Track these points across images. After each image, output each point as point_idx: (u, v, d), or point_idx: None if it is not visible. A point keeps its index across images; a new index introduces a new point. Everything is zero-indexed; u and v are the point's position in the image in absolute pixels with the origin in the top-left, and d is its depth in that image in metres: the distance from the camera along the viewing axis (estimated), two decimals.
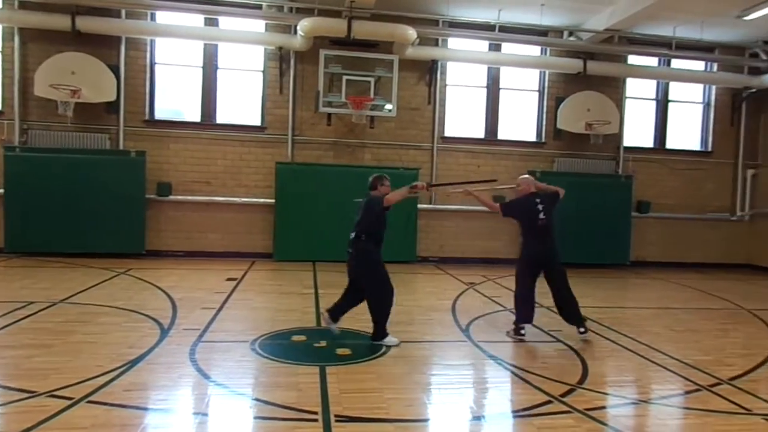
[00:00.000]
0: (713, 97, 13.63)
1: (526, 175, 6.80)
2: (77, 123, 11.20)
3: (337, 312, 6.19)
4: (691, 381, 5.08)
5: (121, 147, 11.47)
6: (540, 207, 6.36)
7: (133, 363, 4.97)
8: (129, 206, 11.19)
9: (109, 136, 11.47)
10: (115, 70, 11.25)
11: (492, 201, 6.85)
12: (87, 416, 3.85)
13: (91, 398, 4.14)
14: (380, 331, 5.90)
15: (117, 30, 11.14)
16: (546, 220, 6.34)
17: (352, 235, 5.99)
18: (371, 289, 5.92)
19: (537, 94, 13.04)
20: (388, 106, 11.63)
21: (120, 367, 4.82)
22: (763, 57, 12.80)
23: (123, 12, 11.11)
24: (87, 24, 10.81)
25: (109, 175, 11.08)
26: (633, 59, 12.91)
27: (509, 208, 6.66)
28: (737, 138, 13.59)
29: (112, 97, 11.17)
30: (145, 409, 4.11)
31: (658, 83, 13.48)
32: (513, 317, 6.49)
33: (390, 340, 5.87)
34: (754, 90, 13.11)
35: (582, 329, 6.31)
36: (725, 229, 13.68)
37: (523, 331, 6.29)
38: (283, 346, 5.73)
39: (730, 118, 13.57)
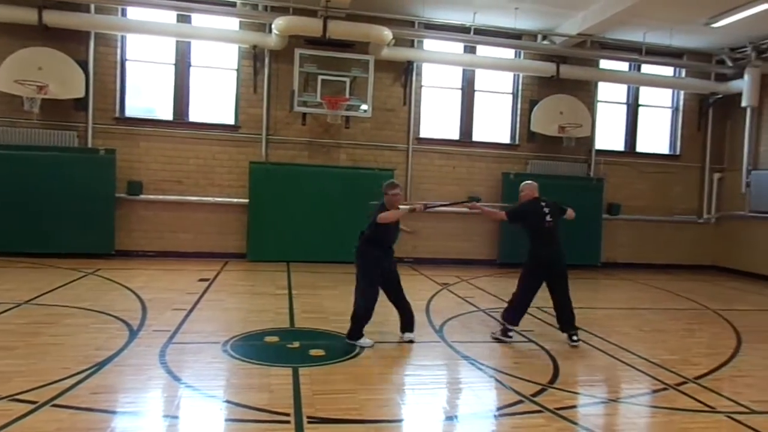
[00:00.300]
0: (681, 102, 13.94)
1: (530, 181, 6.76)
2: (44, 120, 10.95)
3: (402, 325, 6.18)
4: (658, 380, 5.18)
5: (89, 145, 11.23)
6: (546, 210, 6.37)
7: (101, 365, 4.87)
8: (98, 205, 10.95)
9: (77, 133, 11.22)
10: (84, 66, 11.01)
11: (496, 210, 6.72)
12: (51, 420, 3.75)
13: (56, 402, 4.04)
14: (354, 332, 5.90)
15: (86, 25, 10.91)
16: (552, 222, 6.36)
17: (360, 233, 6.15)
18: (357, 287, 5.99)
19: (511, 96, 13.17)
20: (364, 107, 11.62)
21: (87, 370, 4.71)
22: (729, 64, 13.13)
23: (92, 7, 10.89)
24: (54, 18, 10.55)
25: (77, 174, 10.83)
26: (604, 64, 13.13)
27: (515, 214, 6.55)
28: (704, 142, 13.91)
29: (81, 94, 10.93)
30: (113, 412, 4.02)
31: (628, 88, 13.73)
32: (487, 318, 6.53)
33: (364, 341, 5.87)
34: (720, 96, 13.43)
35: (574, 335, 6.25)
36: (692, 231, 13.99)
37: (511, 334, 6.30)
38: (255, 347, 5.68)
39: (698, 123, 13.89)
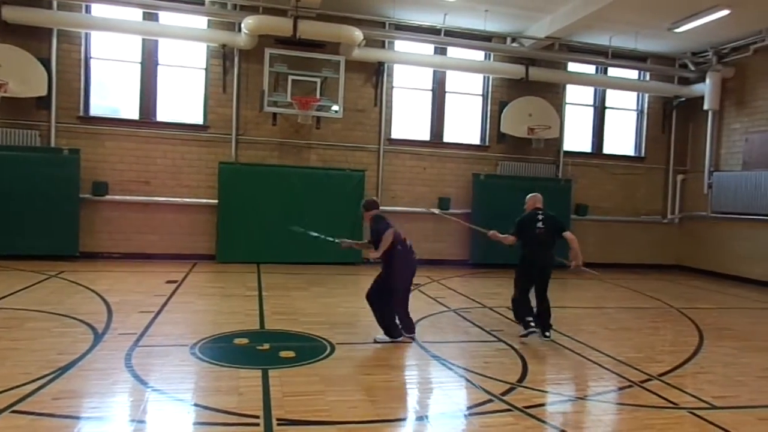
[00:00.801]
0: (646, 105, 14.26)
1: (534, 193, 7.00)
2: (4, 118, 10.65)
3: (403, 326, 6.32)
4: (623, 377, 5.28)
5: (53, 144, 10.94)
6: (540, 217, 6.64)
7: (64, 370, 4.75)
8: (61, 206, 10.68)
9: (39, 132, 10.92)
10: (47, 63, 10.73)
11: (502, 237, 6.81)
12: (10, 427, 3.64)
13: (15, 408, 3.92)
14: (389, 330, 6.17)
15: (48, 22, 10.63)
16: (544, 230, 6.57)
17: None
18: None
19: (481, 98, 13.29)
20: (335, 107, 11.58)
21: (49, 375, 4.59)
22: (692, 68, 13.49)
23: (54, 3, 10.63)
24: (15, 14, 10.27)
25: (39, 174, 10.54)
26: (572, 66, 13.36)
27: (516, 229, 6.74)
28: (668, 144, 14.26)
29: (43, 92, 10.65)
30: (77, 417, 3.92)
31: (595, 90, 13.99)
32: (458, 318, 6.56)
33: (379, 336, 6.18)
34: (683, 99, 13.80)
35: (547, 333, 6.49)
36: (657, 231, 14.32)
37: (533, 324, 6.44)
38: (224, 350, 5.61)
39: (662, 126, 14.23)
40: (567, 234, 6.63)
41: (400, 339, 6.15)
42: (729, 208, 12.66)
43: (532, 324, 6.45)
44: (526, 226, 6.67)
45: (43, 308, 6.90)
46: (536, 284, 6.70)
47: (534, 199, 6.88)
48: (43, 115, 10.95)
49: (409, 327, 6.28)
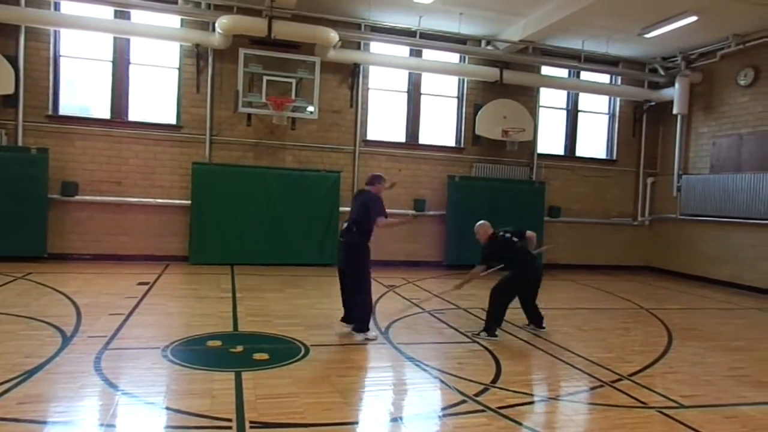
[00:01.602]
0: (618, 109, 14.50)
1: (481, 221, 7.12)
2: None
3: (349, 317, 6.45)
4: (595, 377, 5.36)
5: (20, 143, 10.69)
6: (508, 235, 6.85)
7: (30, 373, 4.63)
8: (29, 206, 10.42)
9: (6, 131, 10.65)
10: (13, 61, 10.48)
11: (477, 270, 6.91)
12: None
13: None
14: (364, 324, 6.23)
15: (14, 18, 10.34)
16: (521, 242, 6.86)
17: (345, 225, 6.33)
18: (356, 279, 6.25)
19: (456, 100, 13.37)
20: (310, 108, 11.53)
21: (14, 378, 4.47)
22: (661, 72, 13.77)
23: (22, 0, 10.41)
24: None
25: (6, 173, 10.27)
26: (546, 70, 13.53)
27: (485, 258, 6.87)
28: (639, 148, 14.52)
29: (10, 90, 10.39)
30: (43, 422, 3.83)
31: (568, 94, 14.18)
32: (432, 319, 6.59)
33: (370, 334, 6.23)
34: (653, 103, 14.08)
35: (543, 324, 7.05)
36: (627, 233, 14.57)
37: (497, 333, 6.61)
38: (197, 352, 5.54)
39: (633, 129, 14.49)
40: (528, 234, 7.09)
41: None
42: (697, 211, 12.95)
43: (497, 335, 6.58)
44: (505, 251, 6.84)
45: (9, 311, 6.73)
46: (529, 293, 7.03)
47: (484, 227, 7.04)
48: (9, 114, 10.68)
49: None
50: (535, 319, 7.12)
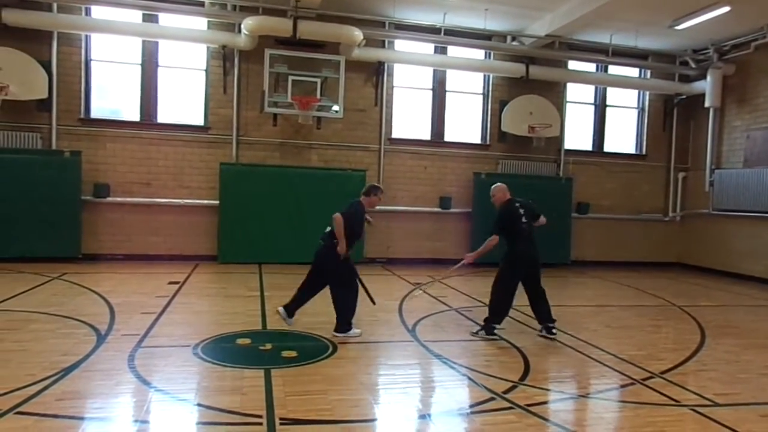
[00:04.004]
0: (647, 103, 14.24)
1: (499, 183, 6.82)
2: (5, 121, 10.67)
3: (293, 307, 6.39)
4: (625, 375, 5.29)
5: (54, 147, 10.97)
6: (522, 211, 6.52)
7: (67, 371, 4.76)
8: (63, 208, 10.71)
9: (40, 135, 10.94)
10: (47, 66, 10.76)
11: (485, 247, 6.52)
12: (15, 428, 3.66)
13: (20, 409, 3.94)
14: (344, 325, 6.16)
15: (48, 24, 10.64)
16: (528, 224, 6.50)
17: (328, 229, 6.27)
18: (337, 283, 6.21)
19: (482, 97, 13.29)
20: (335, 107, 11.58)
21: (52, 376, 4.61)
22: (692, 65, 13.47)
23: (54, 6, 10.64)
24: (15, 17, 10.29)
25: (41, 176, 10.57)
26: (573, 65, 13.36)
27: (497, 226, 6.48)
28: (669, 142, 14.25)
29: (44, 95, 10.68)
30: (80, 418, 3.93)
31: (596, 88, 13.98)
32: (459, 317, 6.58)
33: (354, 332, 6.17)
34: (684, 96, 13.78)
35: (552, 328, 6.47)
36: (658, 229, 14.31)
37: (496, 331, 6.40)
38: (227, 350, 5.63)
39: (663, 123, 14.22)
40: (540, 219, 6.63)
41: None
42: (730, 206, 12.65)
43: (496, 334, 6.36)
44: (511, 222, 6.47)
45: (46, 310, 6.92)
46: (529, 283, 6.54)
47: (502, 190, 6.67)
48: (44, 118, 10.97)
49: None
50: (544, 317, 6.53)
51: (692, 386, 5.05)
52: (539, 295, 6.59)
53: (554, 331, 6.49)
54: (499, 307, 6.46)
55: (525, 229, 6.47)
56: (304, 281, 6.47)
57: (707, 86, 12.95)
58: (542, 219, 6.69)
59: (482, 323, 6.50)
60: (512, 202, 6.61)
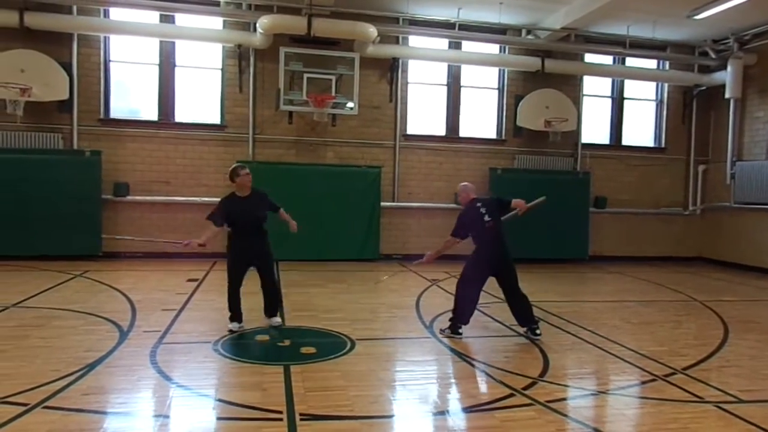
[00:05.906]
0: (666, 95, 14.05)
1: (465, 183, 6.72)
2: (28, 122, 10.83)
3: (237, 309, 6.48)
4: (647, 371, 5.23)
5: (74, 146, 11.13)
6: (483, 210, 6.27)
7: (91, 366, 4.84)
8: (84, 207, 10.87)
9: (62, 135, 11.11)
10: (68, 67, 10.91)
11: (443, 246, 6.55)
12: (43, 422, 3.73)
13: (47, 404, 4.02)
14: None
15: (68, 27, 10.79)
16: (492, 222, 6.24)
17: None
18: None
19: (497, 91, 13.21)
20: (350, 104, 11.60)
21: (77, 371, 4.68)
22: (712, 56, 13.26)
23: (74, 8, 10.78)
24: (36, 20, 10.45)
25: (62, 176, 10.73)
26: (589, 57, 13.21)
27: (459, 229, 6.36)
28: (689, 134, 14.05)
29: (65, 96, 10.83)
30: (104, 413, 4.00)
31: (613, 81, 13.82)
32: (477, 313, 6.54)
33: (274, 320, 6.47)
34: (704, 88, 13.57)
35: (536, 329, 6.19)
36: (678, 223, 14.13)
37: (461, 331, 6.21)
38: (246, 346, 5.69)
39: (682, 115, 14.02)
40: (513, 201, 6.35)
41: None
42: (753, 199, 12.44)
43: (461, 333, 6.17)
44: (471, 223, 6.28)
45: (69, 307, 7.04)
46: (502, 285, 6.31)
47: (466, 190, 6.50)
48: (65, 118, 11.14)
49: None
50: (522, 316, 6.25)
51: (715, 382, 4.98)
52: (517, 296, 6.29)
53: (538, 332, 6.17)
54: (461, 308, 6.23)
55: (489, 228, 6.23)
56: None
57: (728, 77, 12.72)
58: (516, 202, 6.34)
59: (449, 321, 6.31)
60: (474, 202, 6.42)
